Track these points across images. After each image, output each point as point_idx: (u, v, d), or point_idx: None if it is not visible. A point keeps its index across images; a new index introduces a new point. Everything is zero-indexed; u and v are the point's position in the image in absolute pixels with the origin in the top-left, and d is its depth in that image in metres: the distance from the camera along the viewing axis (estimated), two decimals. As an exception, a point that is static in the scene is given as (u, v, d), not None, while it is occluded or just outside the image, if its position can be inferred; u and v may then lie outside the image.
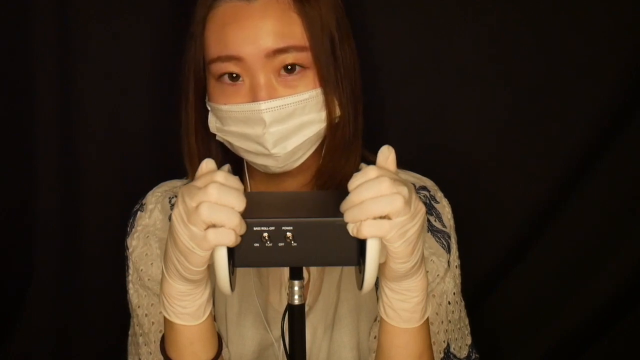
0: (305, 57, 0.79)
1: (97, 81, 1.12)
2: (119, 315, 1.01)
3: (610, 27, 1.08)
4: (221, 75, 0.80)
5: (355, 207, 0.63)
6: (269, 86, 0.78)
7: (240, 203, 0.63)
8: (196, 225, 0.63)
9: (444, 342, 0.90)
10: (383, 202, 0.62)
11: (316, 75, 0.80)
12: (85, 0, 1.09)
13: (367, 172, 0.64)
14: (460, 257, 0.94)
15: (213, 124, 0.84)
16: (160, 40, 1.10)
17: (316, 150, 0.85)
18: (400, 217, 0.63)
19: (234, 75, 0.79)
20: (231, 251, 0.64)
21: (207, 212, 0.62)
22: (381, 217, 0.63)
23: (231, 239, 0.63)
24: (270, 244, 0.63)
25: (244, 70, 0.79)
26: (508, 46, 1.10)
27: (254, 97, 0.78)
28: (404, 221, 0.63)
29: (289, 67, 0.79)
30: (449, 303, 0.90)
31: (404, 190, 0.63)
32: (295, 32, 0.79)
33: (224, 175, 0.64)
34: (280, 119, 0.78)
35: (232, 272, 0.65)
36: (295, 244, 0.63)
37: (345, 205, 0.64)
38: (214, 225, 0.63)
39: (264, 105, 0.78)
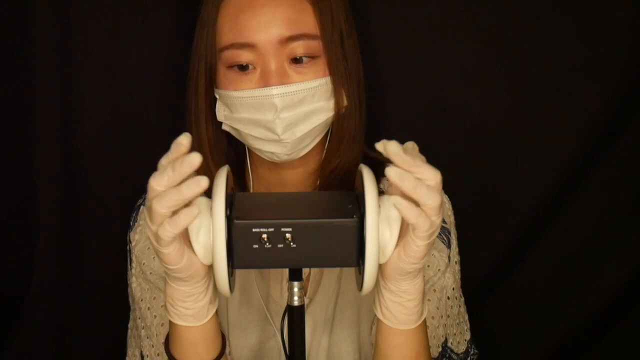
0: (316, 46, 0.81)
1: (97, 81, 1.11)
2: (119, 314, 1.01)
3: (610, 27, 1.07)
4: (232, 65, 0.82)
5: (412, 165, 0.63)
6: (281, 72, 0.80)
7: (163, 181, 0.62)
8: (154, 222, 0.63)
9: (442, 336, 0.91)
10: (433, 191, 0.63)
11: (326, 65, 0.82)
12: (86, -1, 1.09)
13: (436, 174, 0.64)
14: (461, 256, 0.94)
15: (221, 112, 0.85)
16: (162, 40, 1.10)
17: (320, 142, 0.86)
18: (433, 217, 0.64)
19: (244, 65, 0.81)
20: (230, 252, 0.64)
21: (157, 205, 0.62)
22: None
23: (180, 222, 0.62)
24: (270, 246, 0.63)
25: (256, 57, 0.80)
26: (509, 47, 1.09)
27: (266, 83, 0.80)
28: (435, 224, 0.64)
29: (298, 58, 0.80)
30: (448, 298, 0.91)
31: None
32: (307, 20, 0.81)
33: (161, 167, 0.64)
34: (292, 105, 0.80)
35: (231, 274, 0.65)
36: (294, 245, 0.63)
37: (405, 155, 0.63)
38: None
39: (275, 90, 0.79)
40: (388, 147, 0.63)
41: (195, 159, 0.61)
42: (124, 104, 1.13)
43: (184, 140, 0.63)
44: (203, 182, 0.61)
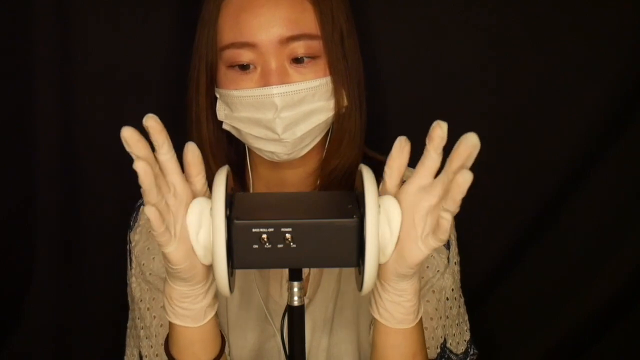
0: (316, 46, 0.81)
1: (97, 81, 1.12)
2: (119, 315, 1.01)
3: (610, 27, 1.07)
4: (233, 65, 0.82)
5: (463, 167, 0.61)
6: (281, 71, 0.80)
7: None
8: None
9: (441, 337, 0.91)
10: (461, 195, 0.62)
11: (326, 64, 0.82)
12: (86, -1, 1.09)
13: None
14: (461, 256, 0.94)
15: (222, 111, 0.85)
16: (162, 40, 1.10)
17: (320, 142, 0.86)
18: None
19: (245, 65, 0.81)
20: (230, 252, 0.64)
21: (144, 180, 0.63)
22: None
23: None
24: (270, 246, 0.63)
25: (256, 57, 0.80)
26: (509, 47, 1.09)
27: (266, 82, 0.80)
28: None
29: (299, 58, 0.81)
30: (447, 299, 0.91)
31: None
32: (308, 20, 0.81)
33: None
34: (292, 104, 0.80)
35: (231, 274, 0.65)
36: (294, 246, 0.63)
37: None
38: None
39: (275, 89, 0.79)
40: (471, 139, 0.61)
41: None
42: (124, 104, 1.13)
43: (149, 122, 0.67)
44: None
